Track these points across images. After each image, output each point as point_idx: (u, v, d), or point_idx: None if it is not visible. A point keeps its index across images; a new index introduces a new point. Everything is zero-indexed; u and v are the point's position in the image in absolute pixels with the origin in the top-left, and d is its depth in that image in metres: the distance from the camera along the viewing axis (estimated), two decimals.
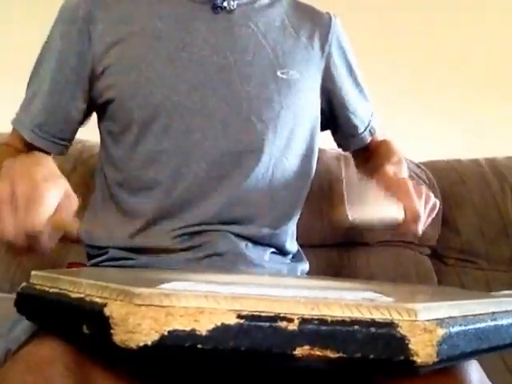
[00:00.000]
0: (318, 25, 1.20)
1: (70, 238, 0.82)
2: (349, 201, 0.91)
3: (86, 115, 1.15)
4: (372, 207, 0.96)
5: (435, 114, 1.95)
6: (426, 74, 1.96)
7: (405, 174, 1.17)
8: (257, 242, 1.08)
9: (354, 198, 0.94)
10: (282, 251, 1.14)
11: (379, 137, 1.30)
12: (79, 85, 1.09)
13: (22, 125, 1.12)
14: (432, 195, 1.03)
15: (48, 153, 1.11)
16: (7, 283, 1.52)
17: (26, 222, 0.75)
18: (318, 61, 1.18)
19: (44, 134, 1.10)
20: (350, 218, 0.90)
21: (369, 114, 1.27)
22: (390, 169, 1.09)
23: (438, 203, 1.04)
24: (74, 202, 0.82)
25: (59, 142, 1.12)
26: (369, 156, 1.28)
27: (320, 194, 1.57)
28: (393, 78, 1.88)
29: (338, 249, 1.61)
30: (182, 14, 1.10)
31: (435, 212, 1.04)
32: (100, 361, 0.62)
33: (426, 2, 2.00)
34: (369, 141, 1.27)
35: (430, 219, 1.03)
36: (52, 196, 0.78)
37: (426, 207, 1.00)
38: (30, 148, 1.11)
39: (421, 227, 1.00)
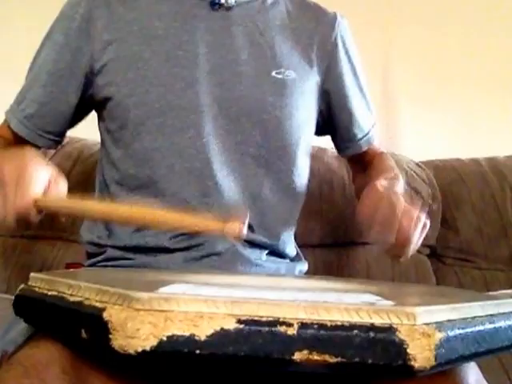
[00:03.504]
0: (322, 24, 1.19)
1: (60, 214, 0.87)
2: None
3: (81, 113, 1.16)
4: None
5: (435, 113, 1.94)
6: (426, 73, 1.95)
7: (399, 189, 1.09)
8: (254, 244, 1.08)
9: None
10: (279, 255, 1.14)
11: (378, 149, 1.28)
12: (73, 80, 1.10)
13: (12, 115, 1.13)
14: (423, 216, 0.97)
15: (34, 145, 1.13)
16: (4, 283, 1.51)
17: (16, 201, 0.81)
18: (319, 62, 1.16)
19: (31, 126, 1.11)
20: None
21: (369, 123, 1.25)
22: (380, 183, 1.03)
23: (428, 224, 0.98)
24: (63, 184, 0.89)
25: (46, 135, 1.13)
26: (365, 168, 1.26)
27: (319, 193, 1.57)
28: (392, 77, 1.88)
29: (336, 248, 1.60)
30: (180, 13, 1.10)
31: (425, 232, 0.98)
32: (97, 364, 0.62)
33: (426, 1, 2.00)
34: (365, 149, 1.25)
35: (420, 240, 0.98)
36: (40, 176, 0.84)
37: (415, 229, 0.95)
38: (17, 138, 1.12)
39: (410, 251, 0.96)
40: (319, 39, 1.17)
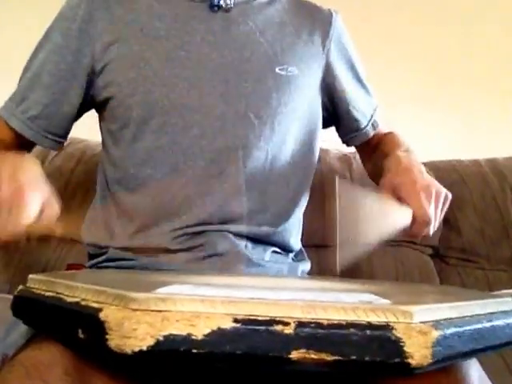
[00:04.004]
0: (319, 21, 1.20)
1: (52, 237, 0.86)
2: (340, 236, 0.85)
3: (81, 112, 1.16)
4: (368, 229, 0.89)
5: (436, 114, 1.95)
6: (426, 74, 1.96)
7: (416, 160, 1.11)
8: (257, 240, 1.09)
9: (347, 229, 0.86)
10: (284, 249, 1.14)
11: (384, 131, 1.29)
12: (74, 82, 1.10)
13: (11, 115, 1.12)
14: (442, 188, 0.99)
15: (33, 145, 1.14)
16: (6, 284, 1.52)
17: (7, 227, 0.80)
18: (319, 57, 1.18)
19: (35, 127, 1.11)
20: (338, 266, 0.83)
21: (371, 108, 1.27)
22: (401, 154, 1.07)
23: (449, 195, 1.00)
24: (56, 207, 0.87)
25: (50, 136, 1.13)
26: (374, 149, 1.27)
27: (322, 194, 1.57)
28: (393, 77, 1.88)
29: None
30: (180, 14, 1.11)
31: (447, 205, 1.00)
32: (99, 365, 0.62)
33: (427, 1, 2.00)
34: (372, 135, 1.27)
35: (443, 213, 1.00)
36: (34, 203, 0.83)
37: (437, 206, 0.96)
38: (18, 138, 1.12)
39: (432, 228, 0.97)
40: (318, 35, 1.18)
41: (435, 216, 0.97)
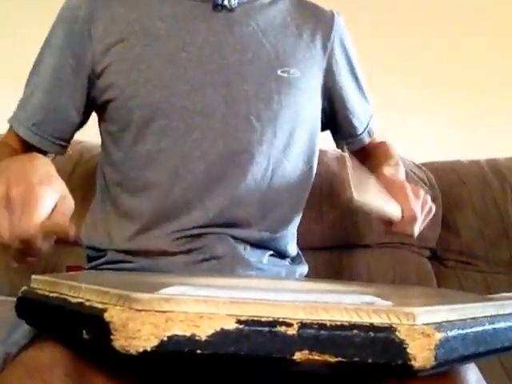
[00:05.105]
0: (321, 23, 1.19)
1: (65, 241, 0.81)
2: (353, 185, 0.88)
3: (85, 116, 1.15)
4: (374, 194, 0.94)
5: (435, 115, 1.95)
6: (426, 74, 1.95)
7: (402, 176, 1.15)
8: (256, 244, 1.08)
9: (358, 184, 0.89)
10: (281, 254, 1.14)
11: (378, 139, 1.29)
12: (77, 85, 1.10)
13: (18, 123, 1.12)
14: (429, 198, 1.02)
15: (44, 152, 1.11)
16: (7, 286, 1.52)
17: (21, 225, 0.74)
18: (320, 59, 1.17)
19: (41, 133, 1.10)
20: (355, 196, 0.87)
21: (368, 115, 1.27)
22: (387, 170, 1.07)
23: (434, 207, 1.03)
24: (70, 203, 0.81)
25: (56, 141, 1.12)
26: (366, 158, 1.27)
27: (320, 195, 1.57)
28: (393, 78, 1.88)
29: (337, 251, 1.60)
30: (182, 14, 1.10)
31: (431, 215, 1.03)
32: (100, 366, 0.62)
33: (428, 2, 2.00)
34: (367, 142, 1.27)
35: (425, 222, 1.03)
36: (47, 199, 0.77)
37: (422, 210, 0.99)
38: (26, 146, 1.11)
39: (417, 229, 0.99)
40: (320, 37, 1.18)
41: (420, 217, 0.99)
